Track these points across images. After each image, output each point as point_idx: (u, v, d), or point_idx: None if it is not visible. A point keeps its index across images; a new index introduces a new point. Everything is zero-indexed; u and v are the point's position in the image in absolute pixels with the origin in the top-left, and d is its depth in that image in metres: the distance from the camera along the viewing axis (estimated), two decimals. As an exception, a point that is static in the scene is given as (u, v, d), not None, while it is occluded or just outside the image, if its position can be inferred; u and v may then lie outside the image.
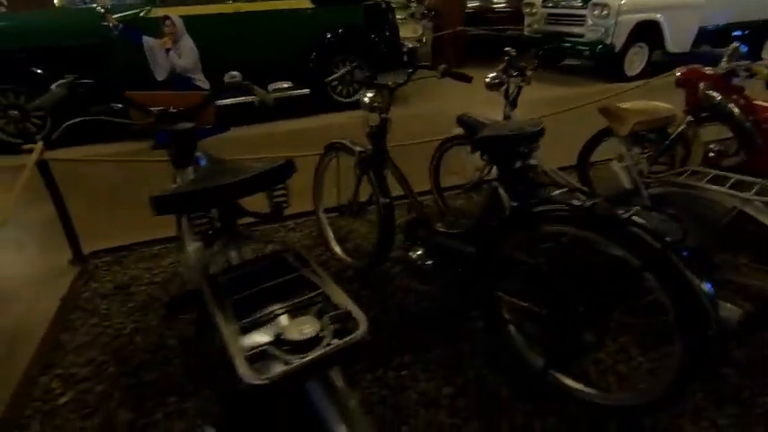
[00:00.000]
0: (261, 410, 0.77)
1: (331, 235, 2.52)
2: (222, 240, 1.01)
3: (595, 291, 1.37)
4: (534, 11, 7.33)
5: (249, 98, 1.53)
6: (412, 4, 7.87)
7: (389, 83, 1.88)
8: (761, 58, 7.55)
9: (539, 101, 4.14)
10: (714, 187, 1.56)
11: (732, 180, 1.59)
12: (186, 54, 4.34)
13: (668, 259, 1.11)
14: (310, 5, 4.92)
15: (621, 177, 1.77)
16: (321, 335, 0.71)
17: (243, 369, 0.66)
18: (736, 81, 2.37)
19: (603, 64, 6.56)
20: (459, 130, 2.20)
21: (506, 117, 2.24)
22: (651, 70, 6.60)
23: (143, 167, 3.53)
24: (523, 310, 1.50)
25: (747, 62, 2.20)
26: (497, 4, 8.40)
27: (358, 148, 2.03)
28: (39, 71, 4.20)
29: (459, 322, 1.90)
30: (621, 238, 1.17)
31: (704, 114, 2.37)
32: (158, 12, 4.43)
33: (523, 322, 1.57)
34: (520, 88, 2.20)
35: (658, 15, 6.26)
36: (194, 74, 4.45)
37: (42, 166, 2.30)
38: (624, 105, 1.75)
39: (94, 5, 4.36)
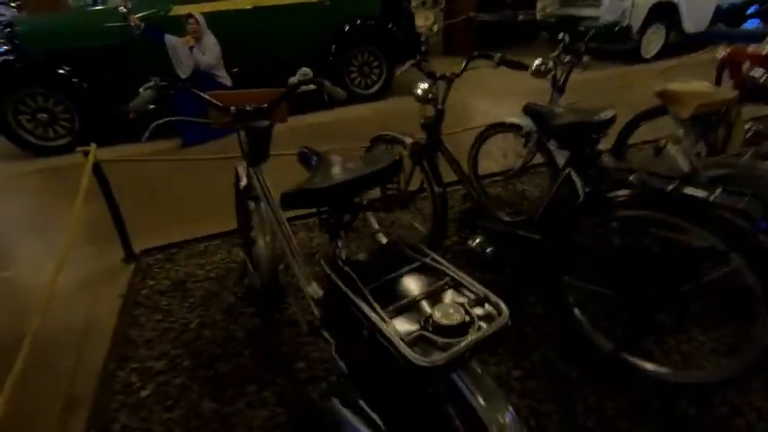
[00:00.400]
0: (407, 387, 0.81)
1: (375, 226, 2.55)
2: (343, 233, 1.05)
3: (666, 273, 1.40)
4: (548, -5, 7.26)
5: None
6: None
7: (447, 74, 1.89)
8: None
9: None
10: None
11: (796, 160, 1.60)
12: (210, 50, 4.35)
13: (758, 239, 1.14)
14: (328, -3, 4.91)
15: (678, 160, 1.79)
16: (468, 321, 0.75)
17: (407, 352, 0.69)
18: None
19: (625, 46, 6.47)
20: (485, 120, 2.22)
21: (554, 103, 2.25)
22: (667, 52, 6.56)
23: (180, 165, 3.59)
24: (592, 293, 1.54)
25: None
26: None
27: (409, 140, 2.05)
28: (63, 73, 4.23)
29: (518, 308, 1.94)
30: (709, 222, 1.19)
31: (747, 95, 2.37)
32: (179, 10, 4.43)
33: (591, 305, 1.60)
34: (568, 74, 2.21)
35: (678, -6, 6.18)
36: (217, 70, 4.47)
37: (95, 168, 2.35)
38: (683, 88, 1.76)
39: (116, 5, 4.36)
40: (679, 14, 6.36)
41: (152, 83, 1.28)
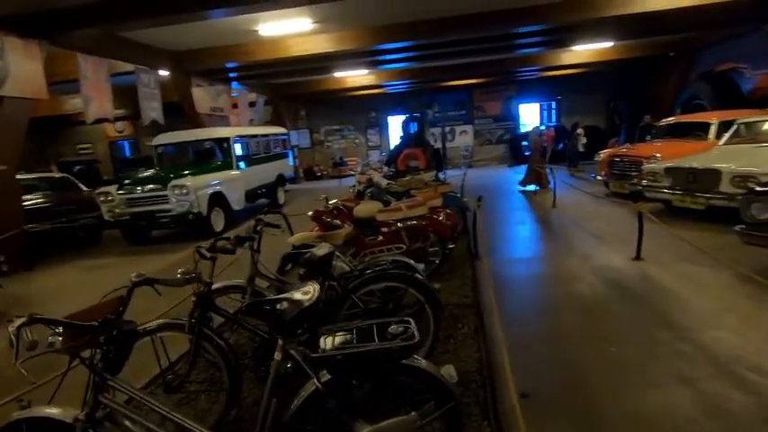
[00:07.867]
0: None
1: None
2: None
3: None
4: (111, 198, 7.71)
5: None
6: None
7: (211, 255, 2.33)
8: (279, 204, 11.40)
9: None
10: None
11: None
12: None
13: (416, 278, 2.53)
14: None
15: (345, 265, 3.09)
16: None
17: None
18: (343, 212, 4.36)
19: (195, 226, 7.87)
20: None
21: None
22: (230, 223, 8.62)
23: None
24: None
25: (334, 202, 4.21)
26: (33, 199, 7.82)
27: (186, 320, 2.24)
28: None
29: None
30: (396, 277, 2.48)
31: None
32: None
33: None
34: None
35: (220, 188, 8.40)
36: None
37: None
38: (322, 234, 3.13)
39: None
40: (227, 200, 8.61)
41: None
